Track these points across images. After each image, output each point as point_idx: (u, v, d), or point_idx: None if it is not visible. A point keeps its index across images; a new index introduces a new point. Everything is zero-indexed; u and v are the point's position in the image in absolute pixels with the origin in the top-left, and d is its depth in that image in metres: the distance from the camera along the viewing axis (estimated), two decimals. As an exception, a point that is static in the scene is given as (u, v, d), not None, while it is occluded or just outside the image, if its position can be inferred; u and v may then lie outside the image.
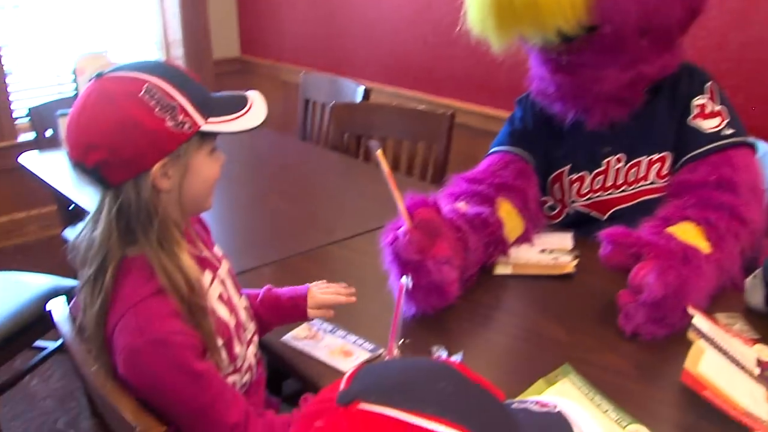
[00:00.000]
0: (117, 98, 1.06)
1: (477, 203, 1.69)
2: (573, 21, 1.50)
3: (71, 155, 1.10)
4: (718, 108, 1.68)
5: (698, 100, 1.70)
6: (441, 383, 0.66)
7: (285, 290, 1.42)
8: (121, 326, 1.09)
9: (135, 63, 1.13)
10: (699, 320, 1.26)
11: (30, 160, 2.56)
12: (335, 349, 1.36)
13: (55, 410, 2.49)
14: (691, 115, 1.69)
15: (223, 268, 1.30)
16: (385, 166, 1.40)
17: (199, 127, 1.11)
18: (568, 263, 1.66)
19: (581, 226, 1.81)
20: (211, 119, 1.13)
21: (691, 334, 1.24)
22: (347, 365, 1.32)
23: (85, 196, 2.21)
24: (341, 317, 1.43)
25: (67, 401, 2.53)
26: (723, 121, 1.67)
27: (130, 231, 1.11)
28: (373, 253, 1.73)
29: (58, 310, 1.26)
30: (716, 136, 1.65)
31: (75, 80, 2.60)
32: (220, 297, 1.24)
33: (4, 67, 3.56)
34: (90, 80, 1.11)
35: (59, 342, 2.29)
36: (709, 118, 1.68)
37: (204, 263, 1.23)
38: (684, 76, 1.72)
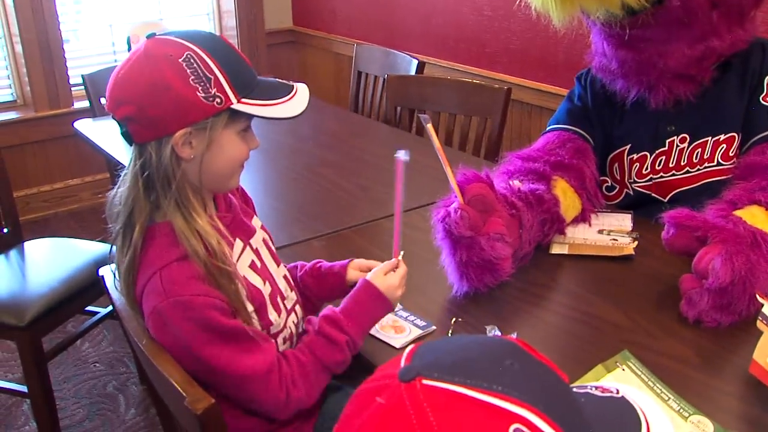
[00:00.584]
0: (156, 59, 1.08)
1: (532, 181, 1.64)
2: None
3: (107, 106, 1.14)
4: None
5: None
6: (507, 361, 0.62)
7: (331, 263, 1.42)
8: (148, 289, 1.12)
9: (187, 31, 1.14)
10: None
11: (85, 126, 2.58)
12: (386, 324, 1.34)
13: (105, 374, 2.53)
14: (763, 94, 1.61)
15: (257, 238, 1.30)
16: (435, 141, 1.36)
17: (231, 104, 1.11)
18: (627, 245, 1.60)
19: (641, 207, 1.75)
20: (245, 100, 1.13)
21: (760, 324, 1.18)
22: (399, 341, 1.30)
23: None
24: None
25: (117, 366, 2.57)
26: None
27: (151, 189, 1.13)
28: (425, 229, 1.70)
29: (110, 276, 1.26)
30: None
31: (129, 48, 2.60)
32: (252, 265, 1.25)
33: (62, 35, 3.59)
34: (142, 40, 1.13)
35: (110, 307, 2.32)
36: None
37: (235, 231, 1.23)
38: (756, 52, 1.63)
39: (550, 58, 2.88)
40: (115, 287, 1.23)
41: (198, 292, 1.09)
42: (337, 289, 1.38)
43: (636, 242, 1.61)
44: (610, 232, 1.67)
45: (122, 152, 2.35)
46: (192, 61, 1.08)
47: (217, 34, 1.19)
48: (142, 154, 1.12)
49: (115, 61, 3.81)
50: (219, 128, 1.12)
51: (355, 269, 1.38)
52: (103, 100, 2.76)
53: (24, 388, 2.08)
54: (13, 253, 2.28)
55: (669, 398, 1.11)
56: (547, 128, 1.84)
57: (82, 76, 2.74)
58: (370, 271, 1.34)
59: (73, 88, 3.68)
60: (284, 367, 1.17)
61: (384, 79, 2.83)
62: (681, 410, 1.09)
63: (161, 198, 1.13)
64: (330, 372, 1.22)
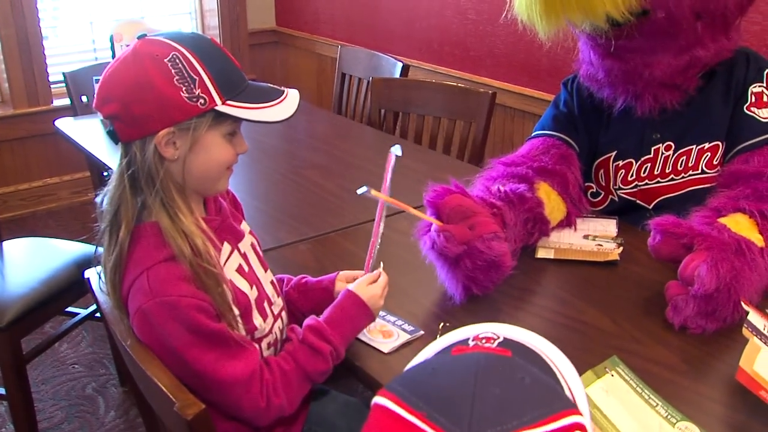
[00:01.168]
0: (142, 58, 1.09)
1: (514, 183, 1.64)
2: (623, 7, 1.44)
3: (94, 103, 1.14)
4: None
5: (756, 88, 1.63)
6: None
7: (318, 278, 1.41)
8: (134, 289, 1.12)
9: (177, 32, 1.15)
10: (754, 317, 1.21)
11: (66, 125, 2.55)
12: (374, 328, 1.34)
13: (84, 376, 2.50)
14: (747, 103, 1.62)
15: (246, 242, 1.30)
16: (386, 200, 1.35)
17: (215, 105, 1.11)
18: (612, 251, 1.61)
19: (626, 214, 1.76)
20: (231, 102, 1.12)
21: (745, 331, 1.19)
22: (387, 345, 1.30)
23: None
24: (380, 297, 1.40)
25: (96, 367, 2.54)
26: None
27: (137, 188, 1.14)
28: (410, 233, 1.70)
29: (95, 278, 1.25)
30: None
31: (112, 46, 2.58)
32: (240, 269, 1.24)
33: (41, 31, 3.55)
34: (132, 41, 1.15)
35: (90, 309, 2.29)
36: (766, 107, 1.61)
37: (224, 235, 1.23)
38: (741, 61, 1.65)
39: (534, 62, 2.90)
40: (101, 288, 1.22)
41: (184, 293, 1.09)
42: (325, 303, 1.36)
43: (621, 248, 1.62)
44: (595, 238, 1.68)
45: (104, 151, 2.33)
46: (177, 61, 1.08)
47: (207, 36, 1.19)
48: (127, 152, 1.13)
49: (96, 58, 3.78)
50: (203, 129, 1.12)
51: (342, 281, 1.37)
52: (84, 98, 2.74)
53: (1, 390, 2.05)
54: (-9, 252, 2.24)
55: (657, 404, 1.12)
56: (533, 134, 1.84)
57: (63, 73, 2.71)
58: (356, 279, 1.34)
59: (52, 86, 3.63)
60: (266, 374, 1.16)
61: (368, 81, 2.83)
62: (669, 416, 1.10)
63: (147, 197, 1.13)
64: (312, 381, 1.22)
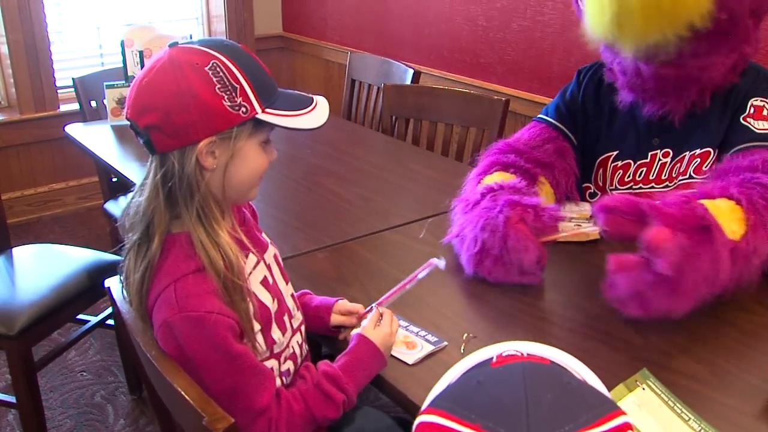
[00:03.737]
0: (182, 66, 1.07)
1: (526, 182, 1.65)
2: (705, 12, 1.42)
3: (128, 113, 1.11)
4: None
5: (757, 101, 1.62)
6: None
7: (317, 298, 1.39)
8: (161, 300, 1.10)
9: (209, 39, 1.13)
10: None
11: (76, 130, 2.53)
12: (399, 339, 1.31)
13: (93, 383, 2.47)
14: (745, 114, 1.62)
15: (269, 253, 1.28)
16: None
17: (256, 113, 1.10)
18: (592, 230, 1.62)
19: None
20: (269, 110, 1.11)
21: None
22: (411, 357, 1.28)
23: (130, 167, 2.20)
24: (401, 308, 1.39)
25: (105, 375, 2.52)
26: None
27: (173, 199, 1.11)
28: (430, 242, 1.69)
29: (118, 287, 1.23)
30: (764, 136, 1.57)
31: (123, 51, 2.57)
32: (264, 281, 1.22)
33: (48, 35, 3.53)
34: (163, 48, 1.12)
35: (101, 316, 2.27)
36: (763, 120, 1.60)
37: (249, 246, 1.21)
38: (747, 74, 1.64)
39: (545, 69, 2.88)
40: (124, 298, 1.20)
41: (211, 309, 1.07)
42: (317, 330, 1.36)
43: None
44: (572, 219, 1.70)
45: (114, 157, 2.31)
46: (218, 69, 1.06)
47: (237, 43, 1.17)
48: (164, 163, 1.10)
49: (102, 64, 3.76)
50: (243, 138, 1.11)
51: (337, 313, 1.35)
52: (94, 103, 2.73)
53: (11, 398, 2.03)
54: (0, 259, 2.22)
55: (689, 418, 1.10)
56: (537, 116, 1.86)
57: (73, 78, 2.70)
58: (351, 314, 1.34)
59: (59, 91, 3.62)
60: (274, 411, 1.14)
61: (379, 87, 2.81)
62: (702, 431, 1.08)
63: (183, 209, 1.11)
64: (317, 425, 1.19)
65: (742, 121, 1.61)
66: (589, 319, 1.43)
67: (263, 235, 1.31)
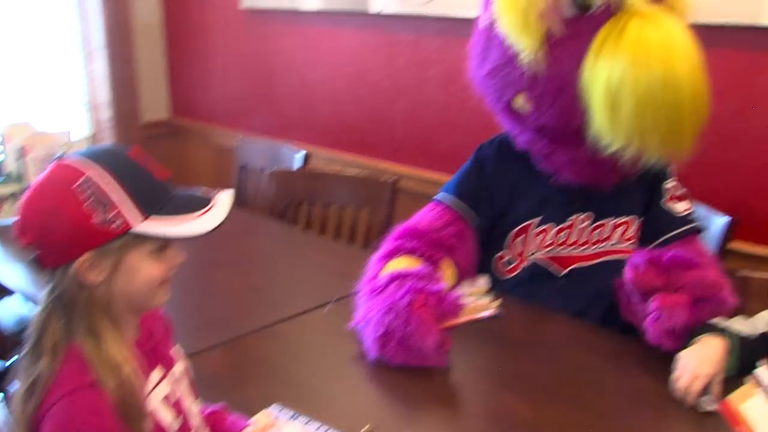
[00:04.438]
0: (53, 185, 1.07)
1: (428, 266, 1.69)
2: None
3: (13, 231, 1.09)
4: (682, 190, 1.78)
5: (668, 183, 1.77)
6: None
7: (229, 419, 1.34)
8: (50, 414, 1.04)
9: (92, 150, 1.12)
10: (763, 371, 1.31)
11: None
12: (300, 440, 1.30)
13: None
14: (665, 198, 1.76)
15: (178, 368, 1.24)
16: None
17: (131, 227, 1.07)
18: (489, 303, 1.69)
19: (536, 281, 1.80)
20: (154, 216, 1.09)
21: (750, 383, 1.29)
22: (312, 458, 1.26)
23: (9, 269, 2.09)
24: (302, 402, 1.37)
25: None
26: (689, 203, 1.77)
27: (61, 313, 1.08)
28: (330, 331, 1.69)
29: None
30: (687, 220, 1.74)
31: (3, 149, 2.53)
32: (166, 398, 1.17)
33: None
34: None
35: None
36: (678, 200, 1.76)
37: (155, 361, 1.17)
38: None
39: (432, 146, 2.97)
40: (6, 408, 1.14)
41: (102, 428, 1.02)
42: None
43: (497, 300, 1.68)
44: (468, 296, 1.73)
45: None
46: (88, 185, 1.04)
47: (131, 146, 1.16)
48: (51, 279, 1.09)
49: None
50: (127, 250, 1.08)
51: None
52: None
53: None
54: None
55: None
56: (439, 193, 1.90)
57: (-53, 179, 2.59)
58: None
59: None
60: None
61: (269, 172, 2.82)
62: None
63: (75, 322, 1.07)
64: None
65: (663, 206, 1.75)
66: (491, 402, 1.45)
67: (175, 348, 1.27)
